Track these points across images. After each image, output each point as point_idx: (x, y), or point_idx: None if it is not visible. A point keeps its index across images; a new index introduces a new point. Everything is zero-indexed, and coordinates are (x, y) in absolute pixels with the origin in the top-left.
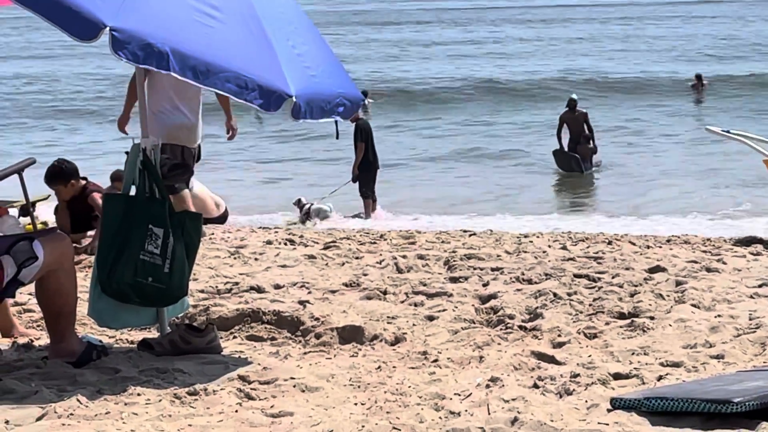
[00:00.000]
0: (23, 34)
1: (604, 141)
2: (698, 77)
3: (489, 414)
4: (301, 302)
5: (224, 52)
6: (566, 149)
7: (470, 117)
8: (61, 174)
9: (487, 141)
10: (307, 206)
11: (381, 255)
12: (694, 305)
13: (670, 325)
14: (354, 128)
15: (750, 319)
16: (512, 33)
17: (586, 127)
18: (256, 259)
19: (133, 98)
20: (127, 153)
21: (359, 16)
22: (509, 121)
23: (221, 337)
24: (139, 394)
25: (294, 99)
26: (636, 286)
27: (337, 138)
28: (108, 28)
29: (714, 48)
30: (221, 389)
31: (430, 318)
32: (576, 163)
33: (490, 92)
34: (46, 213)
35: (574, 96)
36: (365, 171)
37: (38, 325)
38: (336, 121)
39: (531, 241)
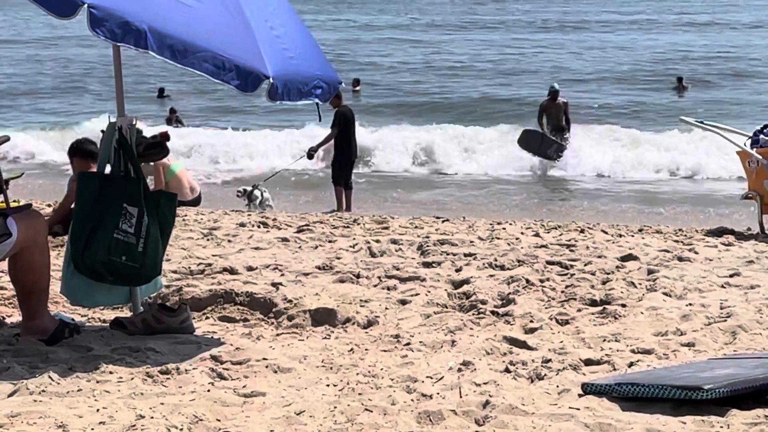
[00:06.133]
0: None
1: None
2: (679, 79)
3: (461, 397)
4: (273, 284)
5: (202, 32)
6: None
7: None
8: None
9: None
10: (256, 195)
11: (354, 239)
12: (665, 293)
13: (642, 313)
14: (333, 114)
15: (721, 308)
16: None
17: (564, 118)
18: (229, 241)
19: None
20: (102, 131)
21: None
22: None
23: (194, 318)
24: (111, 372)
25: (271, 80)
26: (608, 273)
27: (320, 120)
28: (86, 5)
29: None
30: (193, 369)
31: (403, 302)
32: (557, 149)
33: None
34: (19, 191)
35: (556, 85)
36: (339, 159)
37: (10, 303)
38: (317, 104)
39: (504, 228)
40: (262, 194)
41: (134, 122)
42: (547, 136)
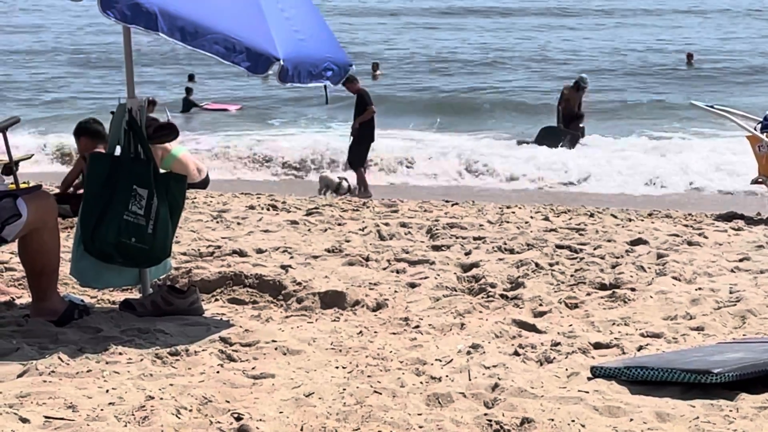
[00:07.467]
0: None
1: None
2: (689, 55)
3: (470, 380)
4: (283, 267)
5: (212, 13)
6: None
7: None
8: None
9: None
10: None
11: (363, 222)
12: (675, 278)
13: (651, 297)
14: (357, 97)
15: (730, 293)
16: None
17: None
18: (238, 224)
19: None
20: (112, 113)
21: None
22: None
23: (203, 300)
24: (120, 354)
25: (281, 62)
26: (617, 257)
27: (327, 103)
28: None
29: None
30: (203, 350)
31: (412, 285)
32: (572, 140)
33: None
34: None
35: (585, 76)
36: (365, 141)
37: (20, 284)
38: (325, 86)
39: (513, 212)
40: (340, 184)
41: (143, 104)
42: (560, 129)
